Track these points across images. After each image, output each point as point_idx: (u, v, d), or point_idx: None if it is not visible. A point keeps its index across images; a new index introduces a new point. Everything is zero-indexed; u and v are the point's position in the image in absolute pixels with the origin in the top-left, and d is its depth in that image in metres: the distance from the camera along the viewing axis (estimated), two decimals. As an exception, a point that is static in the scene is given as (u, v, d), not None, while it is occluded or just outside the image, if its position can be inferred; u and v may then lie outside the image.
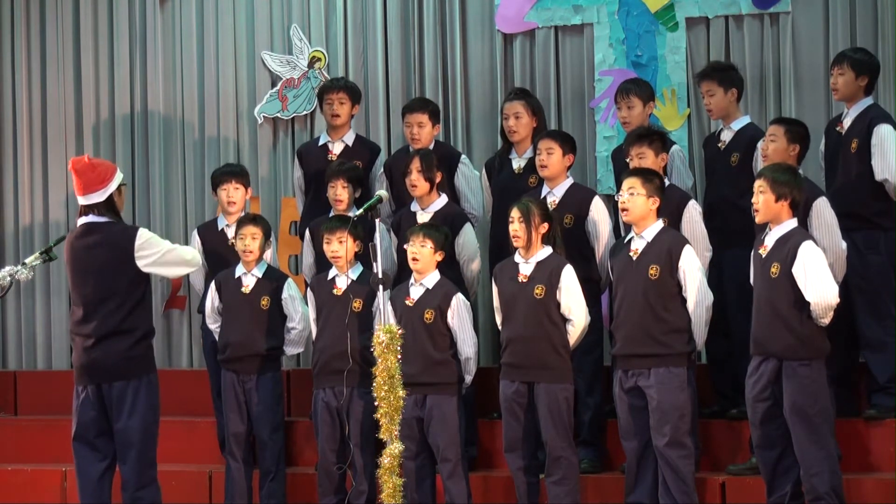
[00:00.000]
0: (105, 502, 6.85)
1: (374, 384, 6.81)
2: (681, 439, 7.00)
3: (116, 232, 6.81)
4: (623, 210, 7.16)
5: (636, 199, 7.10)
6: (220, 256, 8.15)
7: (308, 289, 7.86)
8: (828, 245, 6.97)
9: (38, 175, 9.88)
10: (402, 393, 6.80)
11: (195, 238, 8.32)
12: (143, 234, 6.82)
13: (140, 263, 6.76)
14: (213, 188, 8.35)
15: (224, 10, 9.56)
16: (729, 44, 8.66)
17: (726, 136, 7.90)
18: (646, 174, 7.18)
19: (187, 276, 9.03)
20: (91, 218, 6.81)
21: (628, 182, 7.15)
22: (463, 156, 8.37)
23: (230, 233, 8.11)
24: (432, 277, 7.40)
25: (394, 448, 6.78)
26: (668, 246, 7.09)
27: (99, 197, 6.79)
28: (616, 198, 7.26)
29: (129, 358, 6.75)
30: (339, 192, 8.03)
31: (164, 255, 6.82)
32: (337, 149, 8.52)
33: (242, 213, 8.15)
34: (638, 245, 7.15)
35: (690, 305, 7.06)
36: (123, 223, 6.95)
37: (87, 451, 6.83)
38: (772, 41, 8.58)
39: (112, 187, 6.82)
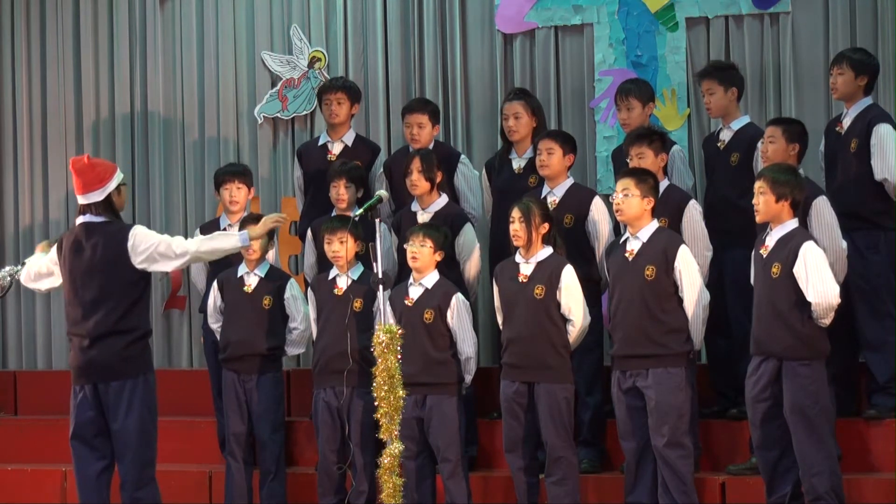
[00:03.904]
0: (104, 502, 6.82)
1: (374, 384, 6.81)
2: (679, 439, 6.99)
3: (112, 231, 6.73)
4: (617, 211, 7.15)
5: (630, 199, 7.09)
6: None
7: (308, 289, 7.86)
8: (828, 244, 6.97)
9: (38, 175, 9.87)
10: (402, 393, 6.79)
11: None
12: (136, 232, 6.73)
13: (134, 261, 6.68)
14: (216, 187, 8.34)
15: (224, 10, 9.56)
16: (729, 44, 8.65)
17: (725, 136, 7.90)
18: (640, 174, 7.17)
19: (188, 276, 9.05)
20: (88, 217, 6.75)
21: (622, 183, 7.15)
22: (462, 156, 8.37)
23: (232, 233, 8.09)
24: (431, 277, 7.40)
25: (394, 448, 6.78)
26: (664, 246, 7.08)
27: (97, 196, 6.74)
28: (611, 199, 7.26)
29: (125, 358, 6.69)
30: (341, 192, 8.03)
31: (155, 249, 6.71)
32: (336, 149, 8.52)
33: (245, 213, 8.15)
34: (633, 246, 7.15)
35: (687, 305, 7.06)
36: (120, 222, 6.85)
37: (85, 451, 6.78)
38: (772, 41, 8.57)
39: (111, 187, 6.77)
